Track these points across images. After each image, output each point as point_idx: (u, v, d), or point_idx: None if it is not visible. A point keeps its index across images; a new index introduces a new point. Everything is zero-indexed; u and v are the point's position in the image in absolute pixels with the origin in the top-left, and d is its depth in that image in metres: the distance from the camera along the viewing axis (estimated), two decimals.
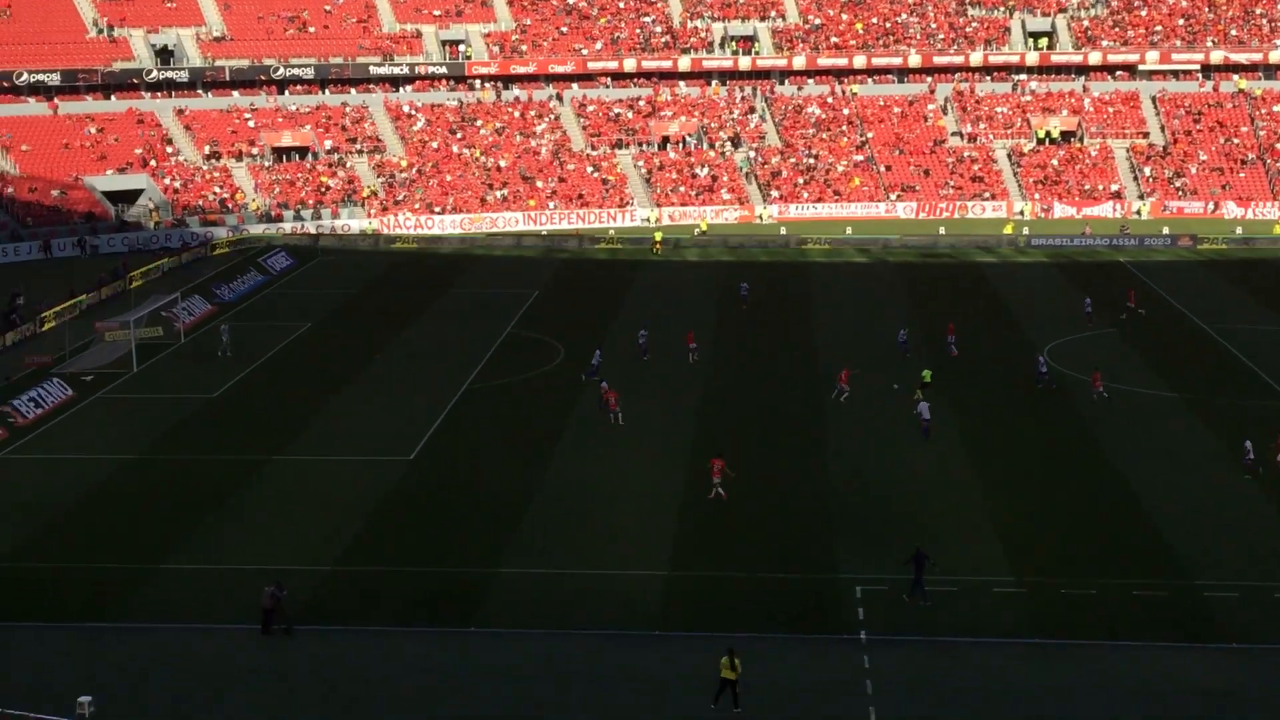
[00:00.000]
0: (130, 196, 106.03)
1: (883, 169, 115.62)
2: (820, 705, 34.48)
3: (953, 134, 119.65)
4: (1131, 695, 34.87)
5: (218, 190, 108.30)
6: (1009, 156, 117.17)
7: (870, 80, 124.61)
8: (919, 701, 34.59)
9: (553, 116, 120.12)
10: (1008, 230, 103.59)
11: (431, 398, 61.12)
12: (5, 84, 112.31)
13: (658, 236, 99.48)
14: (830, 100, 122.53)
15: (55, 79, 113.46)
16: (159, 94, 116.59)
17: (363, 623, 39.32)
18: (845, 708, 34.25)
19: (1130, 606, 39.80)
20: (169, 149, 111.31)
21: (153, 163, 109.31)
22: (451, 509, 47.65)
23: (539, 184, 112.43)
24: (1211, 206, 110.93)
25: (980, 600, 40.16)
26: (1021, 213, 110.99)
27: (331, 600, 40.75)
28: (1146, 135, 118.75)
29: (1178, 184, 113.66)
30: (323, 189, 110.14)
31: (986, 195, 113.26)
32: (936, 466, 51.62)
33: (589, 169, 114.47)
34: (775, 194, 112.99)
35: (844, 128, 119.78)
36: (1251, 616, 39.15)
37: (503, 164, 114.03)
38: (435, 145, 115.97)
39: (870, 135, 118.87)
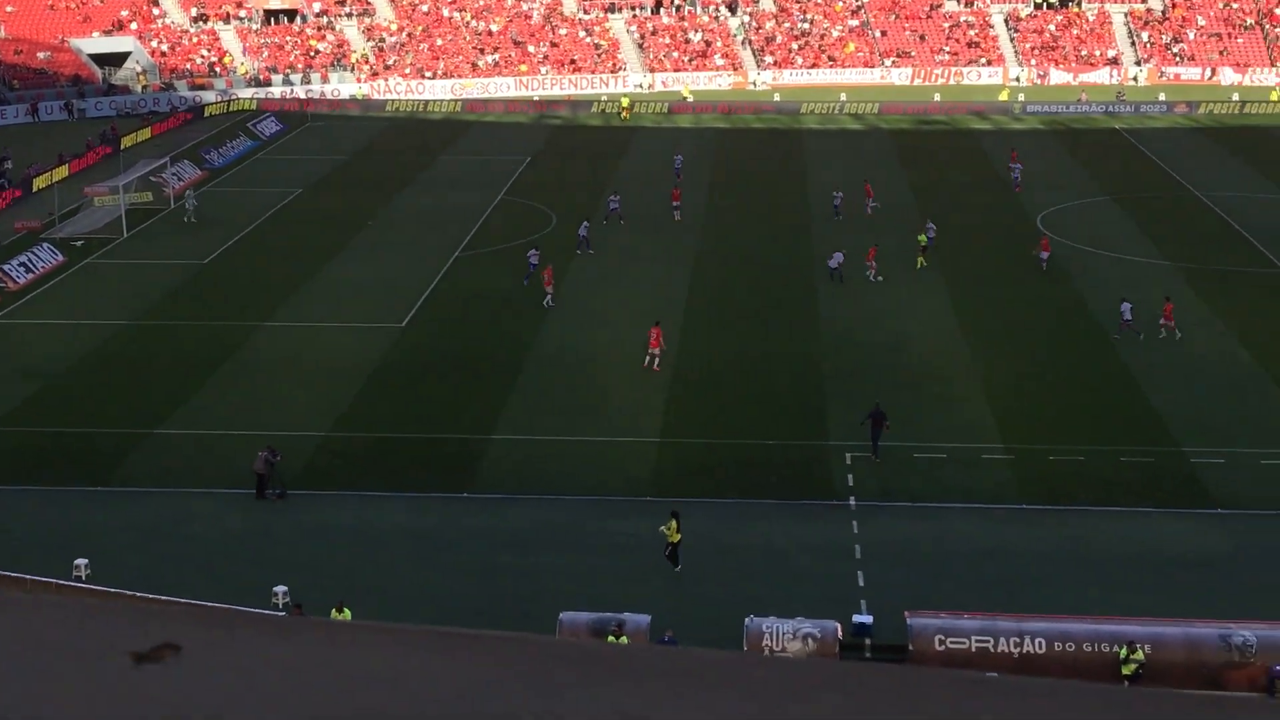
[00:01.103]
0: (117, 60, 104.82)
1: (878, 34, 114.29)
2: (809, 570, 34.89)
3: None
4: (1118, 560, 35.29)
5: (205, 54, 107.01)
6: (1006, 21, 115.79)
7: None
8: (907, 566, 35.00)
9: None
10: (1003, 97, 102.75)
11: (423, 265, 60.98)
12: None
13: (625, 103, 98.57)
14: None
15: None
16: None
17: (355, 488, 39.64)
18: (834, 572, 34.68)
19: (1118, 473, 40.16)
20: (155, 10, 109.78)
21: (137, 25, 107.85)
22: (443, 376, 47.77)
23: (531, 49, 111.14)
24: (1209, 73, 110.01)
25: (969, 466, 40.50)
26: (1017, 79, 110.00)
27: (324, 466, 41.04)
28: (1144, 0, 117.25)
29: (1175, 50, 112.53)
30: (312, 53, 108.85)
31: (982, 61, 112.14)
32: (927, 334, 51.72)
33: (581, 33, 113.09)
34: (769, 60, 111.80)
35: None
36: (1238, 483, 39.48)
37: (494, 28, 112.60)
38: (425, 9, 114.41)
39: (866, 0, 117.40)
